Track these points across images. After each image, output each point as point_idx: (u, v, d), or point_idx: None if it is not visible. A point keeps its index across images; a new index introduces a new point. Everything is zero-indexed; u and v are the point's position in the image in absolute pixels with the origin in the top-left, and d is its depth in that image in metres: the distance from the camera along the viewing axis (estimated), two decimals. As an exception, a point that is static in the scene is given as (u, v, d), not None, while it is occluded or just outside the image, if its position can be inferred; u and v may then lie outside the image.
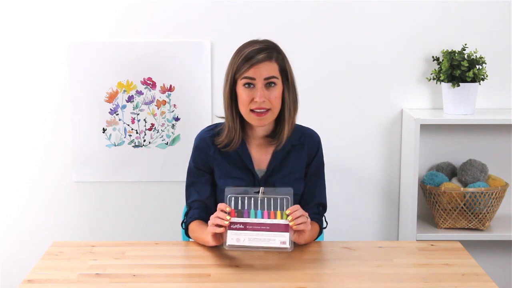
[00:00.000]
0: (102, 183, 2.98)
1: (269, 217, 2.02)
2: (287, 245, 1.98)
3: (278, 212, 2.04)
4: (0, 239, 3.01)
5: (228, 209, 2.02)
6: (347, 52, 2.90)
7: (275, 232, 1.99)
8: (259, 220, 2.01)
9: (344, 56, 2.90)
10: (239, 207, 2.05)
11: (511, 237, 2.79)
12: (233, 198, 2.06)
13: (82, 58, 2.88)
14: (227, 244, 1.99)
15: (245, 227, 2.00)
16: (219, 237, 2.06)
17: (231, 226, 2.00)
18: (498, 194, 2.76)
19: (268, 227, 2.00)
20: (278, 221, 2.01)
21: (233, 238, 1.99)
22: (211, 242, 2.09)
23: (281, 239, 1.98)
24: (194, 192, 2.28)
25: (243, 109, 2.18)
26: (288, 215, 2.02)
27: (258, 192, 2.07)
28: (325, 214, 2.35)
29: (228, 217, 2.00)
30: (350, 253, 2.14)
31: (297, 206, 2.05)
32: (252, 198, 2.06)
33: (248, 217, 2.02)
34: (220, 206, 2.05)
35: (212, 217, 2.04)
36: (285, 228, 2.00)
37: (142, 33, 2.88)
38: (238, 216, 2.02)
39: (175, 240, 2.72)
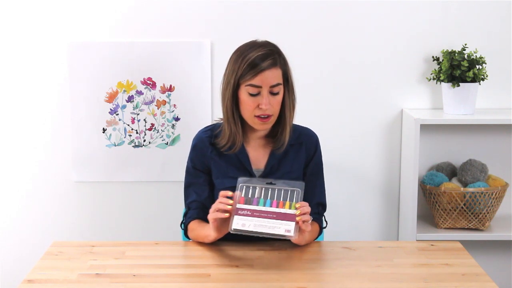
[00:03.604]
0: (102, 183, 2.98)
1: (277, 207, 2.03)
2: (292, 233, 1.98)
3: (287, 203, 2.04)
4: (0, 239, 3.01)
5: (230, 194, 2.03)
6: (347, 52, 2.90)
7: (281, 220, 2.00)
8: (266, 208, 2.03)
9: (344, 56, 2.90)
10: (249, 196, 2.06)
11: (511, 237, 2.79)
12: (244, 187, 2.07)
13: (82, 58, 2.88)
14: (232, 228, 2.00)
15: (252, 214, 2.01)
16: (221, 228, 2.06)
17: (238, 211, 2.01)
18: (498, 194, 2.76)
19: (274, 215, 2.01)
20: (286, 210, 2.02)
21: (239, 222, 2.00)
22: (212, 234, 2.08)
23: (286, 227, 1.99)
24: (192, 193, 2.28)
25: (247, 115, 2.18)
26: (296, 208, 2.02)
27: (271, 183, 2.08)
28: (325, 214, 2.35)
29: (230, 201, 2.01)
30: (350, 253, 2.14)
31: (307, 203, 2.05)
32: (263, 188, 2.07)
33: (257, 205, 2.04)
34: (222, 192, 2.05)
35: (213, 205, 2.04)
36: (291, 217, 2.01)
37: (142, 33, 2.88)
38: (246, 204, 2.04)
39: (175, 240, 2.72)
